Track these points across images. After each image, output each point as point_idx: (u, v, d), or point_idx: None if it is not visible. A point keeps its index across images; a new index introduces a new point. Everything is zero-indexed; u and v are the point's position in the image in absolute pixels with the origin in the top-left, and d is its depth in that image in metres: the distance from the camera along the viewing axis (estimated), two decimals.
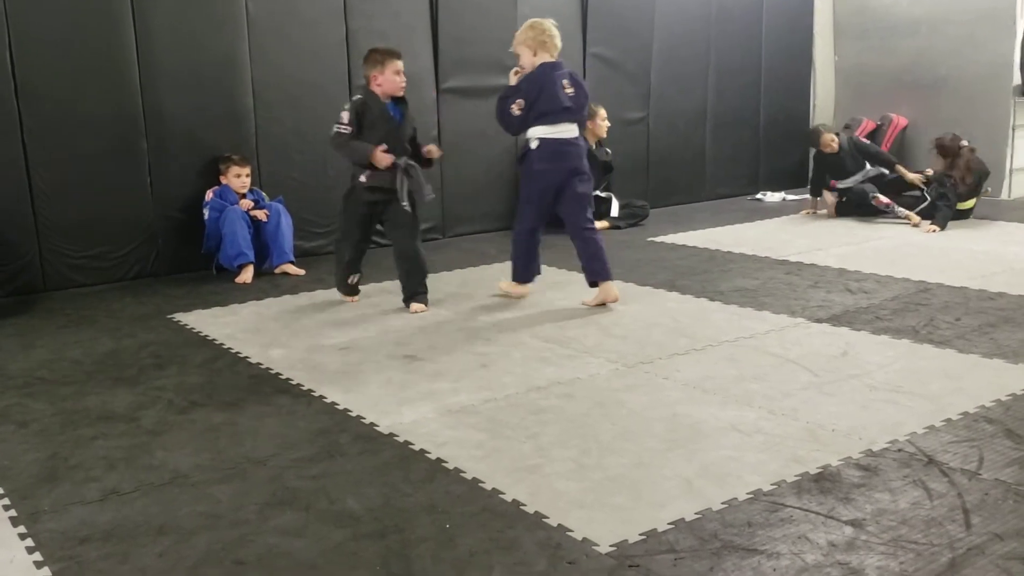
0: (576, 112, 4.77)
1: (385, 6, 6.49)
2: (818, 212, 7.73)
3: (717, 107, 8.71)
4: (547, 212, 4.89)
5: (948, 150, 6.99)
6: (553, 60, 4.73)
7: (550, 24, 4.74)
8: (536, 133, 4.71)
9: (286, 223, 5.83)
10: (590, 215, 4.90)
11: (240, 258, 5.60)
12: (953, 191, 6.89)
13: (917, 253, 6.03)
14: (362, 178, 4.73)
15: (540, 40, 4.68)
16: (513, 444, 3.01)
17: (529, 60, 4.72)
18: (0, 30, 5.13)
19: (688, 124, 8.53)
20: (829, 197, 7.66)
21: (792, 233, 6.94)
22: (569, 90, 4.72)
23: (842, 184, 7.50)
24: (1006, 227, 6.85)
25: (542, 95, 4.65)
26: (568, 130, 4.75)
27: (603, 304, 4.81)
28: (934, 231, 6.74)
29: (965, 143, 7.02)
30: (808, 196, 7.97)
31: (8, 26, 5.14)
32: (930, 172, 7.17)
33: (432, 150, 4.90)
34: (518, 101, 4.68)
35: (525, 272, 5.02)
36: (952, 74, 8.55)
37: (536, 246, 4.98)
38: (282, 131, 6.15)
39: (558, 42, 4.75)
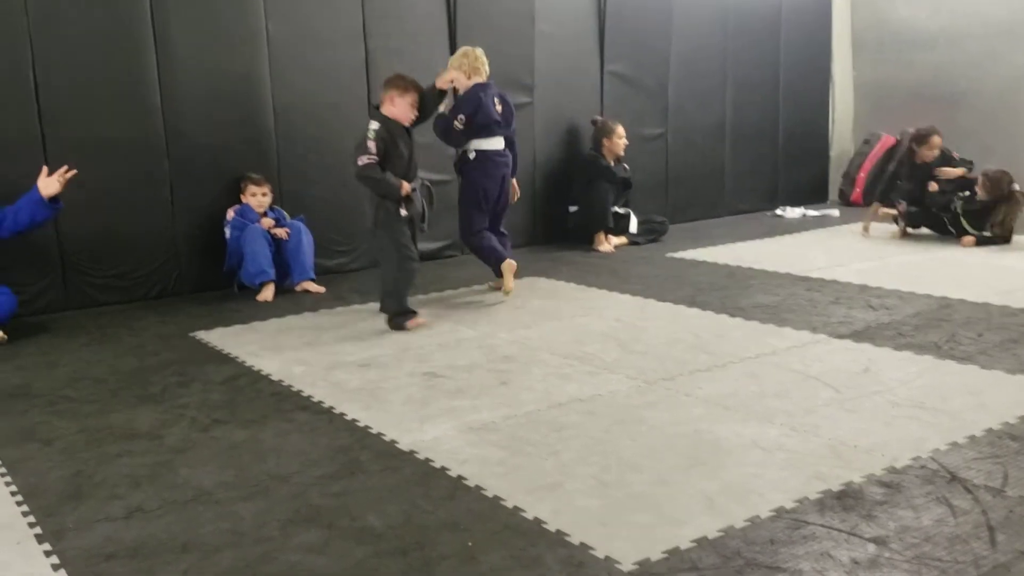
0: (505, 126, 5.46)
1: (403, 26, 6.54)
2: (869, 231, 7.43)
3: (735, 122, 8.71)
4: (490, 212, 5.53)
5: (994, 188, 6.73)
6: (484, 81, 5.40)
7: (480, 52, 5.45)
8: (474, 145, 5.41)
9: (307, 241, 5.87)
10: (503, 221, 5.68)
11: (261, 276, 5.64)
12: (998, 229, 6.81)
13: (938, 269, 6.00)
14: (403, 212, 4.83)
15: (473, 66, 5.39)
16: (534, 461, 3.02)
17: (464, 83, 5.38)
18: (25, 55, 5.20)
19: (707, 139, 8.53)
20: (886, 210, 7.46)
21: (812, 249, 6.92)
22: (499, 107, 5.42)
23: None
24: None
25: (479, 111, 5.32)
26: (499, 143, 5.47)
27: (498, 288, 5.48)
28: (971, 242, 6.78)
29: (1016, 187, 6.79)
30: (888, 209, 7.55)
31: (32, 51, 5.22)
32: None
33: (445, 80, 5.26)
34: (460, 117, 5.31)
35: (493, 255, 5.49)
36: (971, 88, 8.53)
37: (493, 239, 5.51)
38: (303, 150, 6.20)
39: (487, 67, 5.46)
